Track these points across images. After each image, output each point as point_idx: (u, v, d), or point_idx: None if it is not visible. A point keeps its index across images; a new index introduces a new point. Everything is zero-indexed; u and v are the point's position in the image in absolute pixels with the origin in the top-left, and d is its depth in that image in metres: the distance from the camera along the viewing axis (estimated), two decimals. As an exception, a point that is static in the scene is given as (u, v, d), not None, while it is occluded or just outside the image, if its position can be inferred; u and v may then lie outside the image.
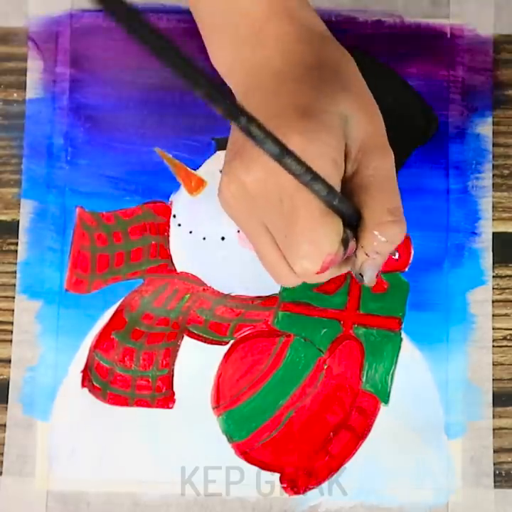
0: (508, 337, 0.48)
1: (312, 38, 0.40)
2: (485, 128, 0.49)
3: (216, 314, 0.47)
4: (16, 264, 0.48)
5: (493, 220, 0.48)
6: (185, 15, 0.49)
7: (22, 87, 0.49)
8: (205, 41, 0.43)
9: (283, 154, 0.31)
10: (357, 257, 0.39)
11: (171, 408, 0.47)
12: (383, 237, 0.38)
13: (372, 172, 0.38)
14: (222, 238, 0.48)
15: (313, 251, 0.37)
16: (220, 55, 0.42)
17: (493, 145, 0.49)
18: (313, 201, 0.36)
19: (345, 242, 0.38)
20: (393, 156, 0.39)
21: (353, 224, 0.38)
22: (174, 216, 0.48)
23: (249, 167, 0.36)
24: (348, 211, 0.37)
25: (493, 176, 0.48)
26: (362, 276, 0.39)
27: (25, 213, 0.48)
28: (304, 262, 0.37)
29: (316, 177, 0.33)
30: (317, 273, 0.38)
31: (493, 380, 0.47)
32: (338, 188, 0.37)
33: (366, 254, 0.38)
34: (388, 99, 0.48)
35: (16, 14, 0.50)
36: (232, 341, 0.47)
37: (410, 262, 0.47)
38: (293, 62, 0.39)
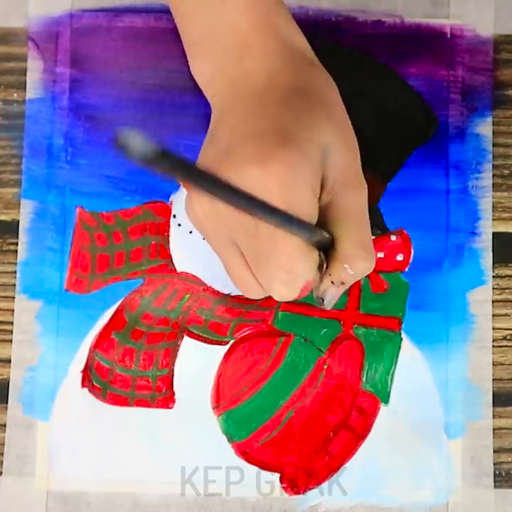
0: (508, 337, 0.48)
1: (298, 60, 0.40)
2: (485, 128, 0.49)
3: (216, 314, 0.47)
4: (16, 264, 0.48)
5: (493, 220, 0.48)
6: (185, 15, 0.49)
7: (22, 87, 0.49)
8: (186, 49, 0.44)
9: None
10: (322, 282, 0.39)
11: (171, 408, 0.47)
12: (352, 271, 0.38)
13: (348, 205, 0.38)
14: (222, 238, 0.48)
15: (292, 279, 0.38)
16: (202, 63, 0.43)
17: (493, 145, 0.49)
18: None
19: (320, 267, 0.38)
20: (367, 190, 0.39)
21: (324, 248, 0.38)
22: (174, 216, 0.48)
23: None
24: (323, 240, 0.38)
25: (493, 176, 0.48)
26: (322, 301, 0.40)
27: (25, 213, 0.48)
28: (282, 289, 0.38)
29: (291, 219, 0.33)
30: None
31: (493, 380, 0.47)
32: (315, 216, 0.37)
33: (331, 282, 0.39)
34: (388, 99, 0.48)
35: (16, 14, 0.50)
36: (232, 341, 0.47)
37: (410, 262, 0.47)
38: (278, 83, 0.39)
